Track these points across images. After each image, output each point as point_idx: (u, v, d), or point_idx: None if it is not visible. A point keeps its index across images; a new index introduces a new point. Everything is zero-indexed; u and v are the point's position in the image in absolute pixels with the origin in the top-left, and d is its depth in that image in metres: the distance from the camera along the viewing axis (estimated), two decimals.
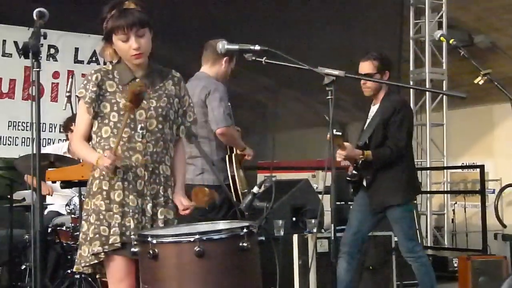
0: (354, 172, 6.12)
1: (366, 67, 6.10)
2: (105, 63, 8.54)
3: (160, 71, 4.16)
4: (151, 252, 3.60)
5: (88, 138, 4.08)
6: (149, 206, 4.00)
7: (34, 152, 3.66)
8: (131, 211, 3.95)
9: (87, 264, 3.95)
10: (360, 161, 5.99)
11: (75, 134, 4.11)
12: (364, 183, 6.12)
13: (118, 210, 3.93)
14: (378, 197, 6.05)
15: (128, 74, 4.03)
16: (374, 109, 6.21)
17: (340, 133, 5.36)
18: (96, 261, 3.93)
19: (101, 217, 3.92)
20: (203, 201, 4.08)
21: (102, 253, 3.91)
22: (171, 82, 4.14)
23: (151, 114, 4.00)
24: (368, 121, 6.22)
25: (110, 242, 3.89)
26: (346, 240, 6.23)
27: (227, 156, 6.07)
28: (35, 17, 3.69)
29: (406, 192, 6.17)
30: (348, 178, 6.20)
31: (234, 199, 5.87)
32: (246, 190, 6.07)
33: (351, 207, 6.44)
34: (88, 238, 3.93)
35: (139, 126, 3.97)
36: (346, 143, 5.80)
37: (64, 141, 8.35)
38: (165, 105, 4.06)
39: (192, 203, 4.12)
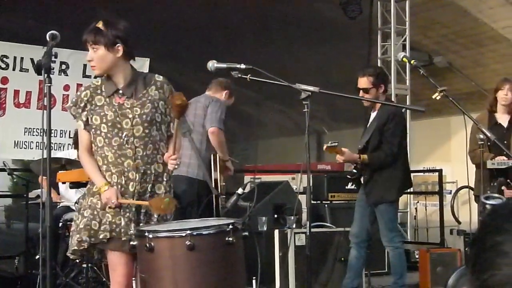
0: (354, 171, 6.18)
1: (363, 82, 6.13)
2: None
3: (143, 78, 4.10)
4: (147, 245, 3.60)
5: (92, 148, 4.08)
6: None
7: (45, 156, 3.64)
8: (122, 210, 3.94)
9: (72, 249, 3.96)
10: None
11: (80, 147, 4.11)
12: (362, 181, 6.18)
13: (110, 210, 3.92)
14: (374, 194, 6.09)
15: (111, 86, 4.01)
16: (373, 115, 6.24)
17: (335, 144, 5.75)
18: (77, 248, 3.94)
19: (95, 213, 3.93)
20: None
21: (86, 243, 3.92)
22: (154, 87, 4.07)
23: (136, 121, 3.96)
24: (367, 126, 6.27)
25: (99, 236, 3.90)
26: (352, 232, 6.34)
27: (212, 155, 6.16)
28: (48, 39, 3.69)
29: (399, 190, 6.27)
30: (348, 176, 6.27)
31: (214, 189, 5.88)
32: (224, 184, 6.14)
33: (356, 202, 6.44)
34: (78, 229, 3.94)
35: (123, 134, 3.94)
36: (344, 149, 5.89)
37: (72, 147, 8.34)
38: (149, 111, 3.99)
39: (177, 155, 3.99)
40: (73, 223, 4.10)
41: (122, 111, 3.95)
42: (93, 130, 3.98)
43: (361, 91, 6.12)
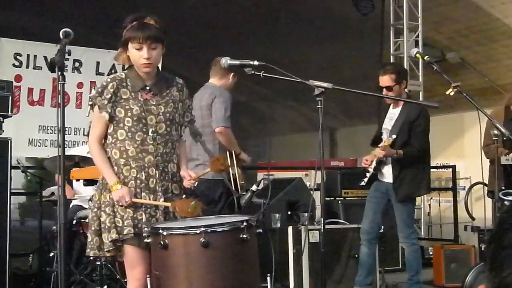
0: (375, 165, 6.17)
1: (385, 80, 6.14)
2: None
3: (166, 78, 4.15)
4: (162, 242, 3.60)
5: (104, 139, 4.05)
6: (161, 201, 3.97)
7: (60, 154, 3.62)
8: (143, 206, 3.93)
9: (109, 249, 3.91)
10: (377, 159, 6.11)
11: (92, 136, 4.05)
12: (391, 179, 6.13)
13: (133, 205, 3.91)
14: (404, 190, 6.10)
15: (139, 82, 4.02)
16: (395, 111, 6.24)
17: (394, 137, 5.88)
18: (114, 247, 3.91)
19: (115, 209, 3.90)
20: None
21: (120, 241, 3.89)
22: (175, 88, 4.14)
23: (160, 119, 4.00)
24: (389, 121, 6.25)
25: (124, 232, 3.87)
26: (364, 228, 6.35)
27: (227, 153, 6.06)
28: (61, 37, 3.67)
29: (428, 186, 6.35)
30: (372, 171, 6.21)
31: (234, 189, 5.85)
32: (243, 182, 6.08)
33: (366, 199, 6.46)
34: (106, 227, 3.90)
35: (150, 130, 3.96)
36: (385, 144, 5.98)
37: (86, 143, 8.35)
38: (171, 110, 4.06)
39: (199, 174, 4.19)
40: (90, 221, 4.04)
41: (148, 107, 3.98)
42: (114, 122, 3.96)
43: (384, 89, 6.10)
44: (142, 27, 3.92)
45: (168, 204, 3.93)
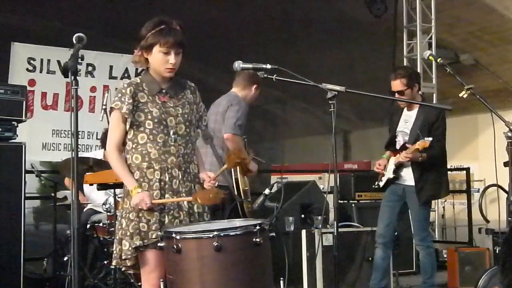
0: (394, 169, 6.17)
1: (396, 85, 6.15)
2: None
3: (180, 82, 4.15)
4: (175, 246, 3.59)
5: (122, 146, 4.05)
6: (185, 202, 3.98)
7: (73, 156, 3.63)
8: (166, 208, 3.93)
9: (129, 256, 3.89)
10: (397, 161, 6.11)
11: (110, 142, 4.01)
12: (411, 181, 6.11)
13: (156, 208, 3.90)
14: (426, 192, 6.09)
15: (155, 85, 4.01)
16: (411, 114, 6.22)
17: (430, 139, 5.80)
18: (135, 254, 3.88)
19: (140, 214, 3.87)
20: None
21: (143, 247, 3.86)
22: (189, 91, 4.15)
23: (179, 120, 4.01)
24: (405, 124, 6.23)
25: (151, 237, 3.85)
26: (380, 232, 6.33)
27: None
28: (74, 41, 3.67)
29: (447, 187, 6.34)
30: (396, 175, 6.20)
31: (236, 194, 5.84)
32: (247, 188, 6.07)
33: (382, 202, 6.43)
34: (128, 234, 3.87)
35: (171, 131, 3.96)
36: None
37: (99, 147, 8.38)
38: (188, 111, 4.07)
39: (217, 173, 4.26)
40: (116, 230, 4.04)
41: (166, 109, 3.98)
42: (134, 127, 3.95)
43: (396, 94, 6.10)
44: (172, 32, 3.92)
45: (189, 198, 3.93)
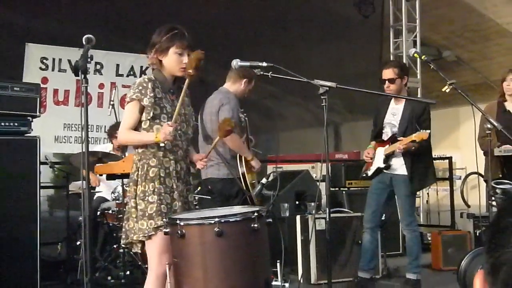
0: (384, 159, 6.15)
1: (388, 73, 6.11)
2: (140, 75, 8.53)
3: (180, 86, 4.15)
4: (179, 232, 3.61)
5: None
6: (187, 192, 4.09)
7: (84, 150, 3.64)
8: (178, 195, 3.98)
9: (146, 235, 3.87)
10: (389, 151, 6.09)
11: (123, 126, 4.02)
12: (402, 171, 6.09)
13: (171, 194, 3.96)
14: (418, 180, 6.11)
15: (166, 84, 4.07)
16: (399, 107, 6.20)
17: (429, 132, 5.77)
18: (153, 233, 3.86)
19: (161, 197, 3.91)
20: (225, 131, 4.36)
21: (161, 227, 3.85)
22: (184, 93, 4.13)
23: (183, 119, 4.07)
24: (392, 116, 6.21)
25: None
26: (367, 218, 6.35)
27: (237, 155, 5.98)
28: (84, 42, 3.68)
29: (435, 175, 6.36)
30: (387, 165, 6.17)
31: (245, 189, 5.83)
32: (255, 181, 6.04)
33: (369, 190, 6.43)
34: (147, 214, 3.87)
35: (178, 127, 4.01)
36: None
37: (107, 141, 8.39)
38: (188, 112, 4.15)
39: (210, 149, 4.51)
40: (126, 212, 4.03)
41: (174, 107, 4.01)
42: (150, 118, 3.95)
43: (386, 82, 6.07)
44: (184, 35, 4.02)
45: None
